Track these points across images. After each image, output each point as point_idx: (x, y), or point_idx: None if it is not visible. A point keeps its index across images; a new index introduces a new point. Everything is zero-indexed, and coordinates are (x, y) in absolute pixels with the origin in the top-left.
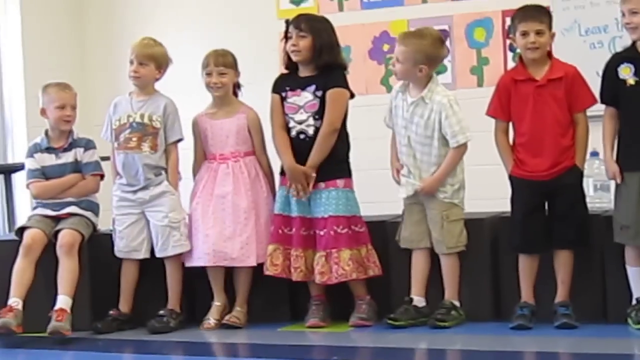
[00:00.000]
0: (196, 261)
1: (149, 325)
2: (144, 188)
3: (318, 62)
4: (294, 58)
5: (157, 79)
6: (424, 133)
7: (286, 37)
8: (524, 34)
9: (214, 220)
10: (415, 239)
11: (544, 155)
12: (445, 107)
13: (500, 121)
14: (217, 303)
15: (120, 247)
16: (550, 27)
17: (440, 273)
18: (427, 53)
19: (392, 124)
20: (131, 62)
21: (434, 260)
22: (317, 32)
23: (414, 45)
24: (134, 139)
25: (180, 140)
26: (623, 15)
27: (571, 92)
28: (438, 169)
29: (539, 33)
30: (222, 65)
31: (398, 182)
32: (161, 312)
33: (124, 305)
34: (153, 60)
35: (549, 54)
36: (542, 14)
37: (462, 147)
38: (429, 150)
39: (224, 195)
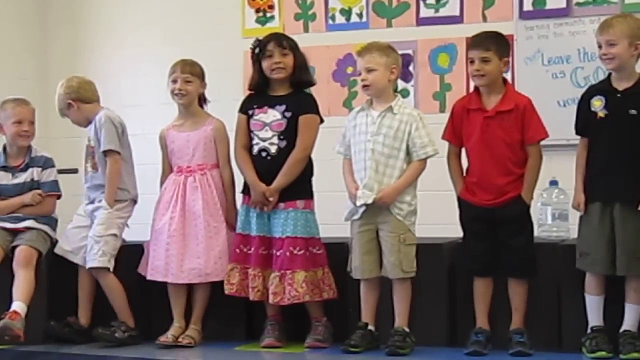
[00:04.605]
0: (170, 277)
1: (94, 331)
2: (92, 202)
3: (295, 79)
4: (277, 76)
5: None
6: (392, 144)
7: (257, 56)
8: (471, 61)
9: (189, 238)
10: (367, 269)
11: (489, 185)
12: (416, 119)
13: (454, 145)
14: (177, 324)
15: (61, 244)
16: (501, 55)
17: (387, 299)
18: (391, 55)
19: (344, 149)
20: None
21: (383, 287)
22: (296, 50)
23: (379, 50)
24: (85, 161)
25: (111, 150)
26: (600, 46)
27: (522, 124)
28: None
29: (484, 60)
30: (188, 73)
31: (354, 202)
32: (113, 323)
33: (82, 316)
34: (78, 101)
35: (505, 82)
36: (490, 42)
37: (424, 162)
38: (393, 163)
39: (196, 211)
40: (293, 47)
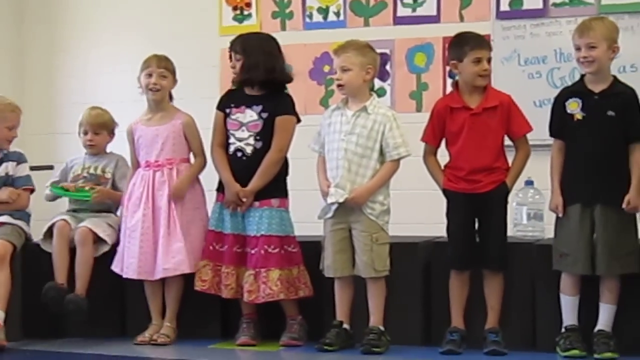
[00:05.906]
0: (144, 275)
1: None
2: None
3: (247, 81)
4: (235, 79)
5: (109, 142)
6: (366, 144)
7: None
8: (478, 60)
9: (160, 233)
10: (339, 267)
11: (475, 179)
12: (390, 119)
13: (430, 146)
14: (155, 323)
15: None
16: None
17: (362, 298)
18: (368, 54)
19: (318, 147)
20: (85, 132)
21: (358, 286)
22: (247, 52)
23: (355, 49)
24: (87, 187)
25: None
26: (578, 49)
27: (508, 120)
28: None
29: (489, 61)
30: (163, 68)
31: (326, 199)
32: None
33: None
34: (105, 128)
35: None
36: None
37: (397, 163)
38: (366, 163)
39: (163, 206)
40: (245, 49)
